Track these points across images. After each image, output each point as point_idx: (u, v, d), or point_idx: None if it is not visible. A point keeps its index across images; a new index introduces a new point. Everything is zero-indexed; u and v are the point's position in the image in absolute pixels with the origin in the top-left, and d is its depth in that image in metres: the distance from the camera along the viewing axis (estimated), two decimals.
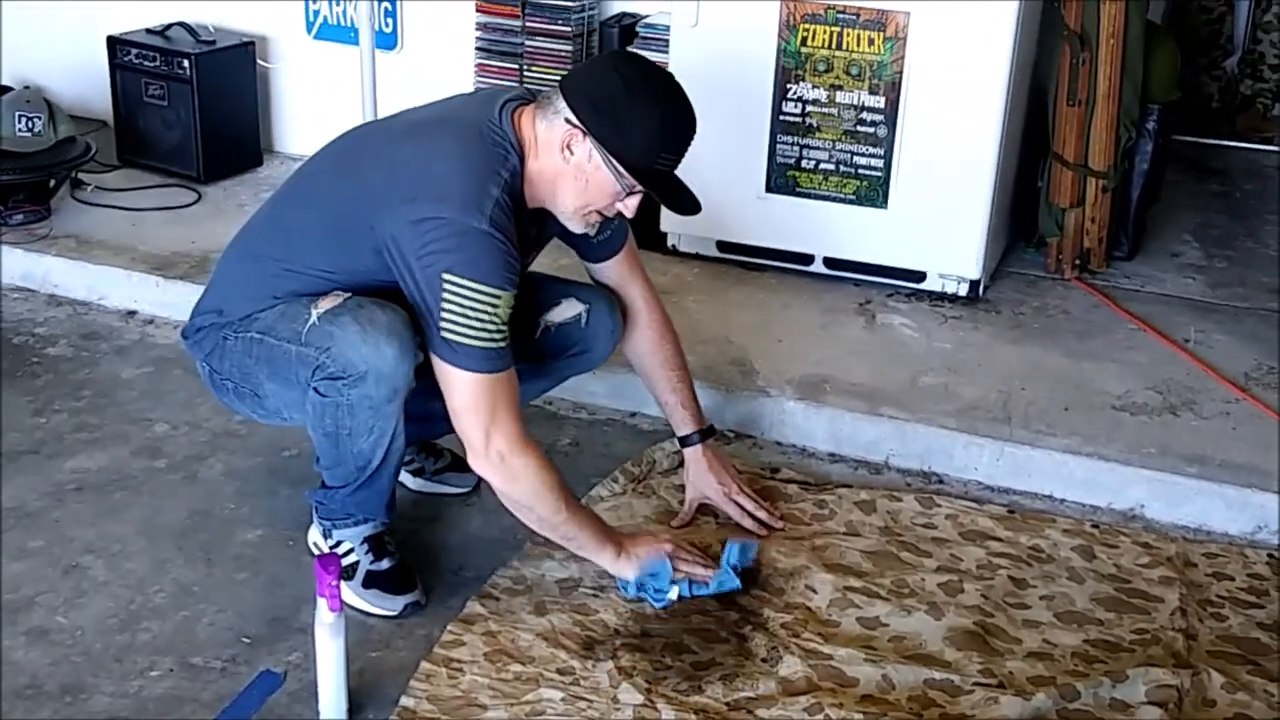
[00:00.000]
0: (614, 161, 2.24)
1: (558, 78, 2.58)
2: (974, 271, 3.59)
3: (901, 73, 3.44)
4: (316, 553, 2.55)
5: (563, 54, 3.94)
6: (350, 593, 2.43)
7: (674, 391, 2.71)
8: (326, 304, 2.30)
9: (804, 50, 3.51)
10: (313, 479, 2.59)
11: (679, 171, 2.33)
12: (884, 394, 3.13)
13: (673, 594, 2.44)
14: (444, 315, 2.19)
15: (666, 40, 3.64)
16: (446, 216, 2.18)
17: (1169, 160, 4.12)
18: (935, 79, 3.43)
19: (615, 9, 4.05)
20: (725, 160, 3.51)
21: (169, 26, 4.32)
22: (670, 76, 2.33)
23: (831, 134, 3.55)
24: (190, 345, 2.53)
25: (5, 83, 4.27)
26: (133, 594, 2.49)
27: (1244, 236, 4.26)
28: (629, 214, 2.36)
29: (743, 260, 3.79)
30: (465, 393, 2.25)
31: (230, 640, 2.38)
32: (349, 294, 2.31)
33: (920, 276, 3.65)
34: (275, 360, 2.36)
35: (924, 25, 3.39)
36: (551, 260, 2.68)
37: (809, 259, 3.73)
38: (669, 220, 3.76)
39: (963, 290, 3.63)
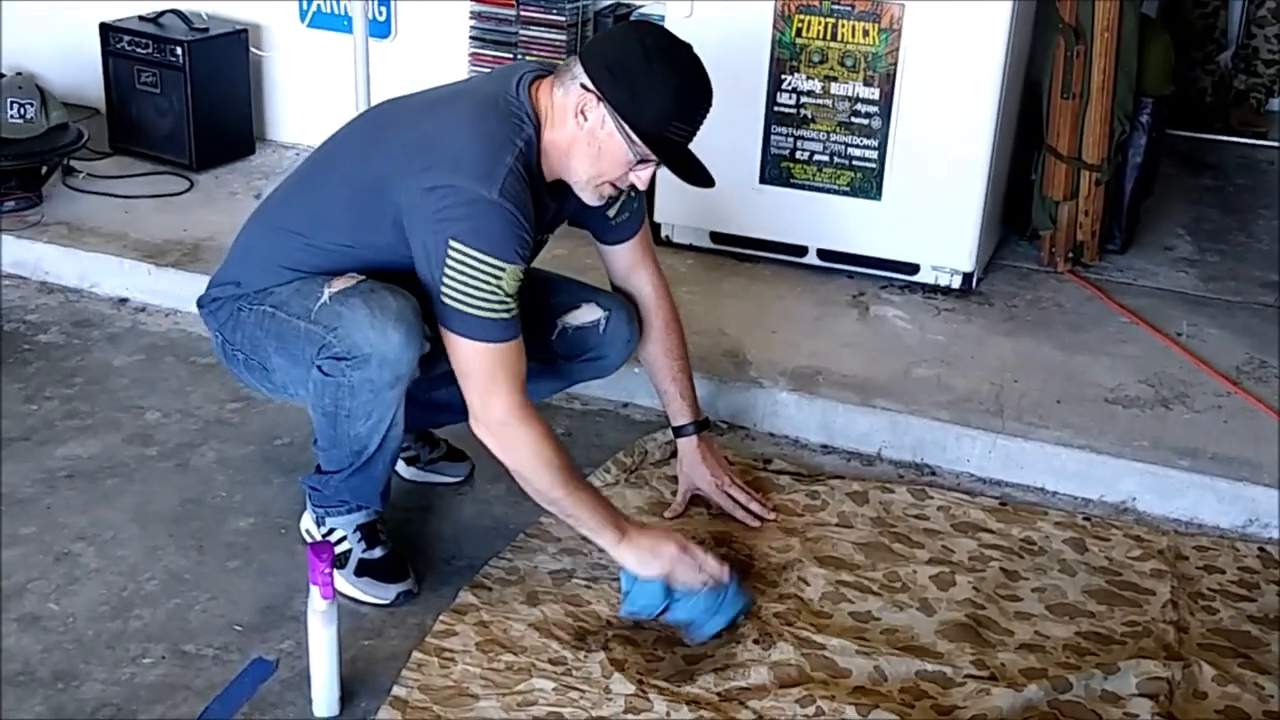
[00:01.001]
0: (626, 127, 2.22)
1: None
2: (967, 264, 3.60)
3: (896, 65, 3.44)
4: (309, 540, 2.55)
5: (557, 44, 3.94)
6: (343, 581, 2.43)
7: (674, 381, 2.70)
8: (339, 284, 2.30)
9: (799, 41, 3.50)
10: (305, 467, 2.59)
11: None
12: (877, 386, 3.14)
13: (659, 613, 2.35)
14: (445, 281, 2.20)
15: None
16: (458, 185, 2.19)
17: (1162, 154, 4.12)
18: (930, 71, 3.43)
19: None
20: (719, 151, 3.47)
21: (162, 14, 4.30)
22: (690, 49, 2.30)
23: (826, 125, 3.55)
24: (205, 315, 2.53)
25: None
26: (125, 581, 2.49)
27: (1237, 231, 4.27)
28: (641, 185, 2.35)
29: (736, 251, 3.79)
30: (465, 359, 2.25)
31: (222, 628, 2.38)
32: (363, 277, 2.31)
33: (913, 269, 3.65)
34: (284, 335, 2.36)
35: (919, 17, 3.39)
36: (576, 262, 2.67)
37: (803, 250, 3.73)
38: (663, 211, 3.76)
39: (956, 283, 3.63)
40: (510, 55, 4.01)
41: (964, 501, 2.84)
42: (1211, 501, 2.83)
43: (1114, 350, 3.37)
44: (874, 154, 3.54)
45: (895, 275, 3.67)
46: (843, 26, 3.45)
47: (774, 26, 3.51)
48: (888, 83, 3.46)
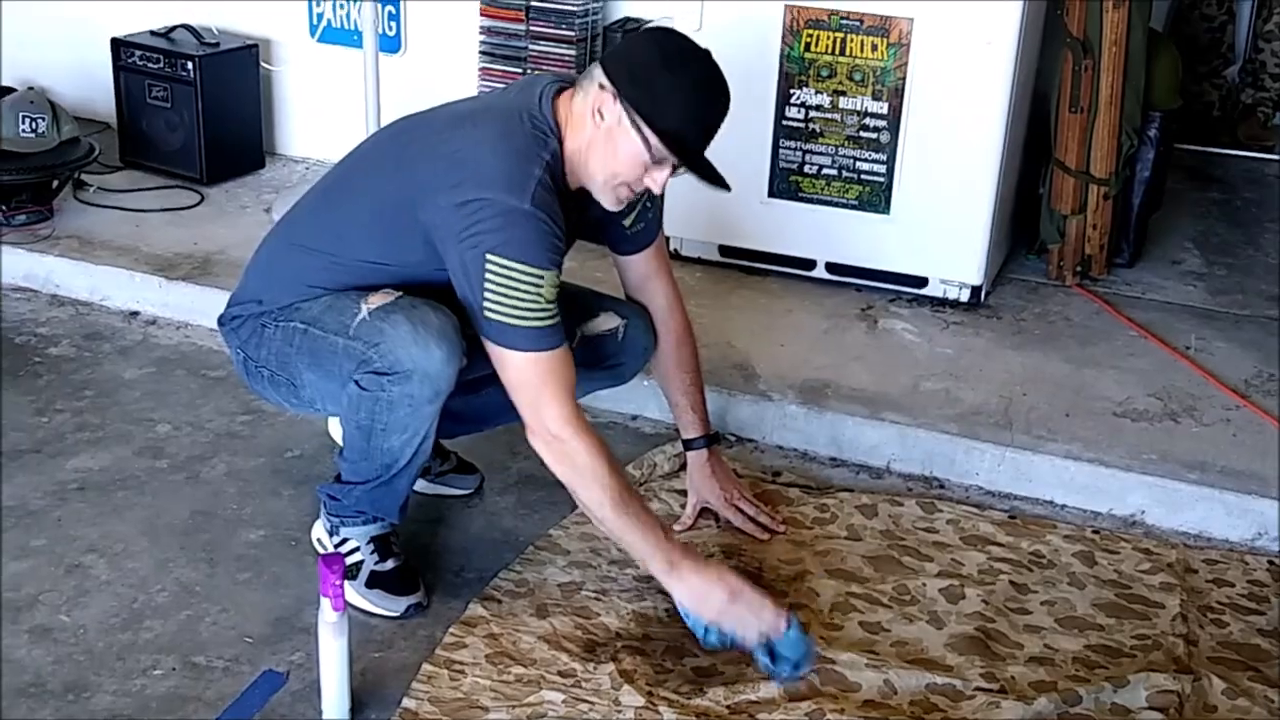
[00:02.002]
0: (642, 124, 2.23)
1: None
2: (976, 277, 3.60)
3: (904, 79, 3.45)
4: (320, 550, 2.56)
5: (567, 59, 3.95)
6: (353, 592, 2.44)
7: (685, 394, 2.70)
8: (378, 300, 2.31)
9: (807, 56, 3.51)
10: (315, 480, 2.60)
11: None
12: (886, 399, 3.14)
13: (713, 638, 2.30)
14: (487, 295, 2.20)
15: None
16: (490, 198, 2.19)
17: (1170, 168, 4.12)
18: (938, 85, 3.44)
19: (619, 13, 4.06)
20: (728, 164, 3.49)
21: (173, 29, 4.33)
22: (710, 55, 2.30)
23: (834, 139, 3.56)
24: (226, 333, 2.54)
25: (9, 84, 4.27)
26: (135, 593, 2.49)
27: (1244, 244, 4.27)
28: (657, 189, 2.34)
29: (745, 265, 3.80)
30: (515, 371, 2.26)
31: (233, 640, 2.38)
32: (400, 293, 2.32)
33: (922, 282, 3.66)
34: (318, 351, 2.36)
35: (927, 31, 3.40)
36: (585, 275, 2.66)
37: (811, 264, 3.73)
38: (673, 224, 3.74)
39: (964, 296, 3.63)
40: (520, 70, 4.02)
41: (973, 514, 2.84)
42: (1220, 514, 2.83)
43: (1122, 363, 3.37)
44: (882, 168, 3.54)
45: (904, 288, 3.68)
46: (851, 41, 3.46)
47: (783, 41, 3.52)
48: (896, 97, 3.47)
